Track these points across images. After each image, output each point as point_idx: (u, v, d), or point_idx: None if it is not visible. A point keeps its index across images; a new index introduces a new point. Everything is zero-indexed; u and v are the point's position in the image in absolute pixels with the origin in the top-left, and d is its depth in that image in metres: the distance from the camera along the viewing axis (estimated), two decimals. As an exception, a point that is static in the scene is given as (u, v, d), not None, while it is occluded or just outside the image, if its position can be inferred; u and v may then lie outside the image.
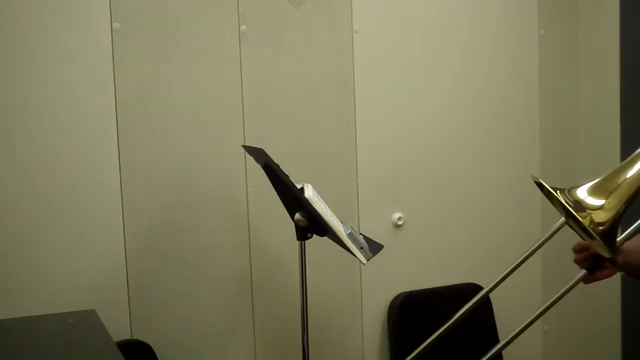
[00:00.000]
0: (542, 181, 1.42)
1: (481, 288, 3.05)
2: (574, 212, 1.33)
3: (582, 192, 1.39)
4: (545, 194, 1.48)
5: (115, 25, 2.47)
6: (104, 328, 2.04)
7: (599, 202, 1.36)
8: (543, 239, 1.59)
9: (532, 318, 1.58)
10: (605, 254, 1.41)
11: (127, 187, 2.52)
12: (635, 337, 3.09)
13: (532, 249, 1.61)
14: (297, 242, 2.18)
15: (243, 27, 2.66)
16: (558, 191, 1.39)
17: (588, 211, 1.35)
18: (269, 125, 2.72)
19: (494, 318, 3.08)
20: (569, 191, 1.39)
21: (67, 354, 1.87)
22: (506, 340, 1.60)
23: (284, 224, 2.27)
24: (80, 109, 2.45)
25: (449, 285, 3.03)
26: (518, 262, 1.63)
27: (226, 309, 2.70)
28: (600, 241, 1.32)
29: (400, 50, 2.93)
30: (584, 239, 1.49)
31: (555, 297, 1.55)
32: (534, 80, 3.17)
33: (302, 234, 2.15)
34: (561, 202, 1.36)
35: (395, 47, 2.92)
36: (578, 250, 1.56)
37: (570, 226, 1.50)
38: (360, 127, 2.87)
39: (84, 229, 2.46)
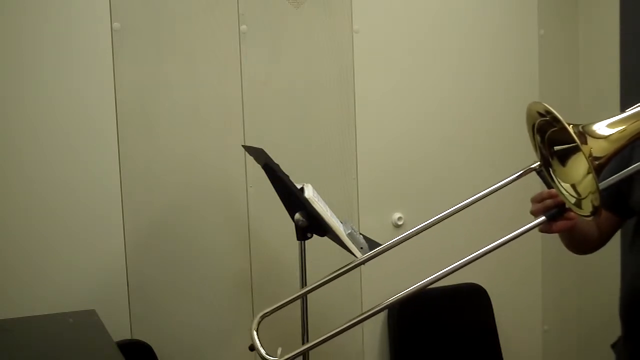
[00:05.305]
0: (550, 108, 1.31)
1: (481, 288, 3.10)
2: (576, 139, 1.24)
3: (589, 125, 1.30)
4: (531, 129, 1.36)
5: (115, 25, 2.47)
6: (104, 328, 2.04)
7: (605, 132, 1.28)
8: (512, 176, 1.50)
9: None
10: (586, 211, 1.26)
11: (127, 187, 2.52)
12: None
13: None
14: (297, 242, 2.18)
15: (243, 27, 2.66)
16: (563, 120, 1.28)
17: (589, 143, 1.26)
18: (269, 125, 2.72)
19: (494, 318, 3.08)
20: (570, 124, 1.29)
21: (67, 354, 1.87)
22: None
23: (284, 224, 2.27)
24: (80, 109, 2.45)
25: (449, 285, 3.03)
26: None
27: (226, 309, 2.70)
28: (594, 174, 1.20)
29: (400, 50, 2.93)
30: (556, 187, 1.38)
31: (511, 235, 1.40)
32: (534, 80, 3.17)
33: (302, 234, 2.15)
34: (565, 128, 1.26)
35: (395, 47, 2.92)
36: (540, 199, 1.50)
37: (547, 169, 1.39)
38: (360, 127, 2.87)
39: (84, 229, 2.46)
